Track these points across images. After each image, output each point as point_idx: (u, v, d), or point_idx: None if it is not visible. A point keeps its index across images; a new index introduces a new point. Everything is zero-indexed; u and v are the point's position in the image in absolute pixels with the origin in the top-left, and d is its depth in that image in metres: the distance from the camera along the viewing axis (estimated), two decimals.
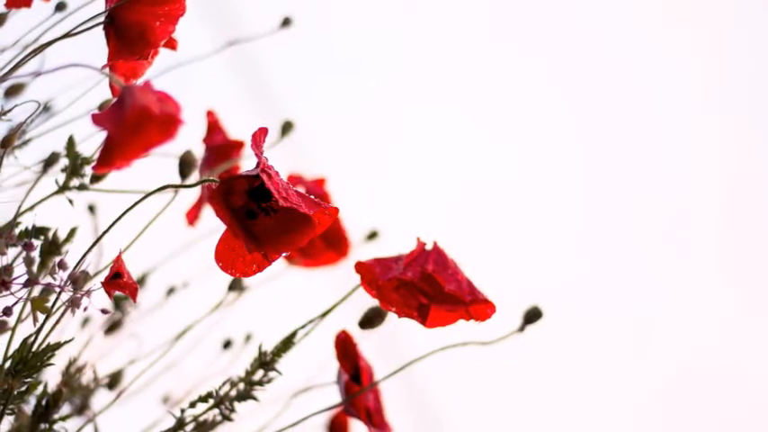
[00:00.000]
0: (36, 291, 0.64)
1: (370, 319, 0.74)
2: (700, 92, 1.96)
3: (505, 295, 0.74)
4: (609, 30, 1.99)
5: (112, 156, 0.51)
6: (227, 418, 0.74)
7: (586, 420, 1.89)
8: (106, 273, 0.62)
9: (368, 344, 0.80)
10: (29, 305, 0.62)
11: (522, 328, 0.73)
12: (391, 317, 0.72)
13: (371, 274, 0.69)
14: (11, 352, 0.64)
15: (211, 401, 0.73)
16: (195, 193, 0.92)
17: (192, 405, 0.74)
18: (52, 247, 0.72)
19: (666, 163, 1.99)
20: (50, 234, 0.73)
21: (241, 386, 0.74)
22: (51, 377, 0.81)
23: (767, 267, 1.94)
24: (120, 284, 0.61)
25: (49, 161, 0.76)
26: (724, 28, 1.97)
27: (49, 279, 0.60)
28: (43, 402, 0.70)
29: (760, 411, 1.87)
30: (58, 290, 0.60)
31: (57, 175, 0.75)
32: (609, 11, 1.97)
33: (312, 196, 0.60)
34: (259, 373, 0.74)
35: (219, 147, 0.92)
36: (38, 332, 0.63)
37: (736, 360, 1.87)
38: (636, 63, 1.99)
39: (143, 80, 0.67)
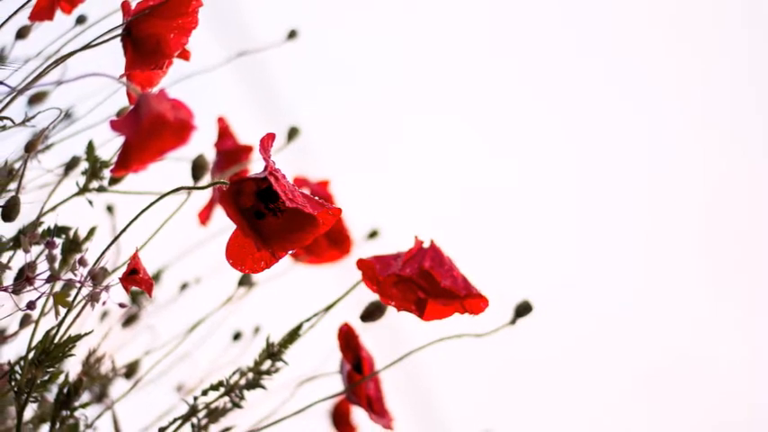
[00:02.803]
0: (58, 286, 0.64)
1: (371, 313, 0.74)
2: (685, 99, 1.96)
3: (498, 290, 0.74)
4: (601, 38, 1.99)
5: (129, 159, 0.51)
6: (236, 405, 0.74)
7: (574, 409, 1.89)
8: (123, 269, 0.62)
9: (369, 336, 0.80)
10: (51, 299, 0.62)
11: (513, 321, 0.73)
12: (391, 311, 0.72)
13: (372, 270, 0.69)
14: (34, 343, 0.64)
15: (222, 390, 0.73)
16: (207, 194, 0.92)
17: (204, 393, 0.74)
18: (73, 245, 0.72)
19: (649, 167, 2.00)
20: (71, 233, 0.73)
21: (250, 375, 0.74)
22: (72, 367, 0.81)
23: (744, 266, 1.94)
24: (137, 280, 0.61)
25: (70, 165, 0.76)
26: (710, 31, 1.97)
27: (70, 275, 0.61)
28: (65, 391, 0.70)
29: (732, 401, 1.87)
30: (78, 285, 0.60)
31: (77, 177, 0.75)
32: (601, 19, 1.97)
33: (316, 197, 0.60)
34: (267, 363, 0.74)
35: (230, 151, 0.92)
36: (59, 325, 0.63)
37: (713, 353, 1.87)
38: (628, 70, 1.99)
39: (158, 88, 0.67)
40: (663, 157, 1.98)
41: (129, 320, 0.96)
